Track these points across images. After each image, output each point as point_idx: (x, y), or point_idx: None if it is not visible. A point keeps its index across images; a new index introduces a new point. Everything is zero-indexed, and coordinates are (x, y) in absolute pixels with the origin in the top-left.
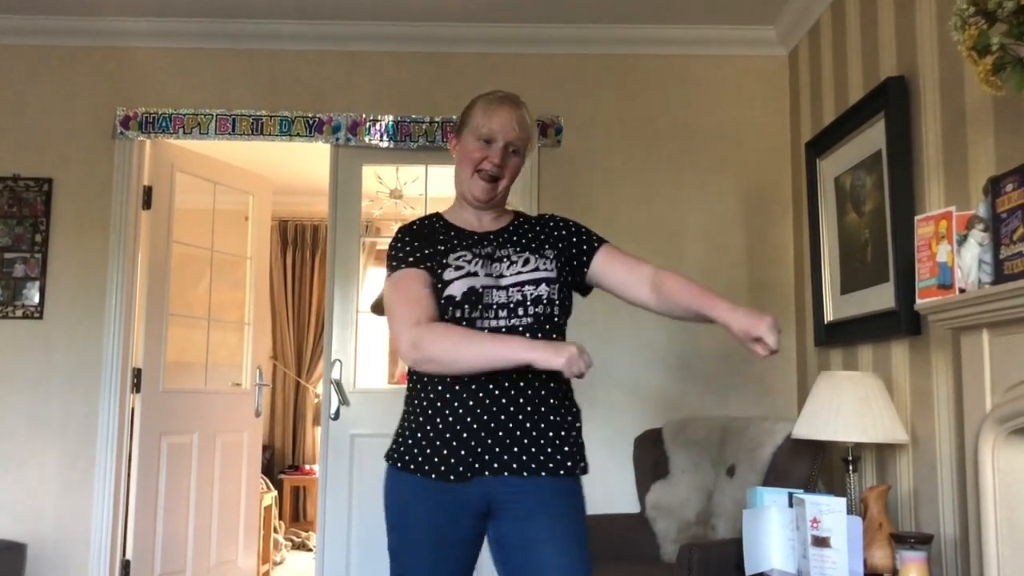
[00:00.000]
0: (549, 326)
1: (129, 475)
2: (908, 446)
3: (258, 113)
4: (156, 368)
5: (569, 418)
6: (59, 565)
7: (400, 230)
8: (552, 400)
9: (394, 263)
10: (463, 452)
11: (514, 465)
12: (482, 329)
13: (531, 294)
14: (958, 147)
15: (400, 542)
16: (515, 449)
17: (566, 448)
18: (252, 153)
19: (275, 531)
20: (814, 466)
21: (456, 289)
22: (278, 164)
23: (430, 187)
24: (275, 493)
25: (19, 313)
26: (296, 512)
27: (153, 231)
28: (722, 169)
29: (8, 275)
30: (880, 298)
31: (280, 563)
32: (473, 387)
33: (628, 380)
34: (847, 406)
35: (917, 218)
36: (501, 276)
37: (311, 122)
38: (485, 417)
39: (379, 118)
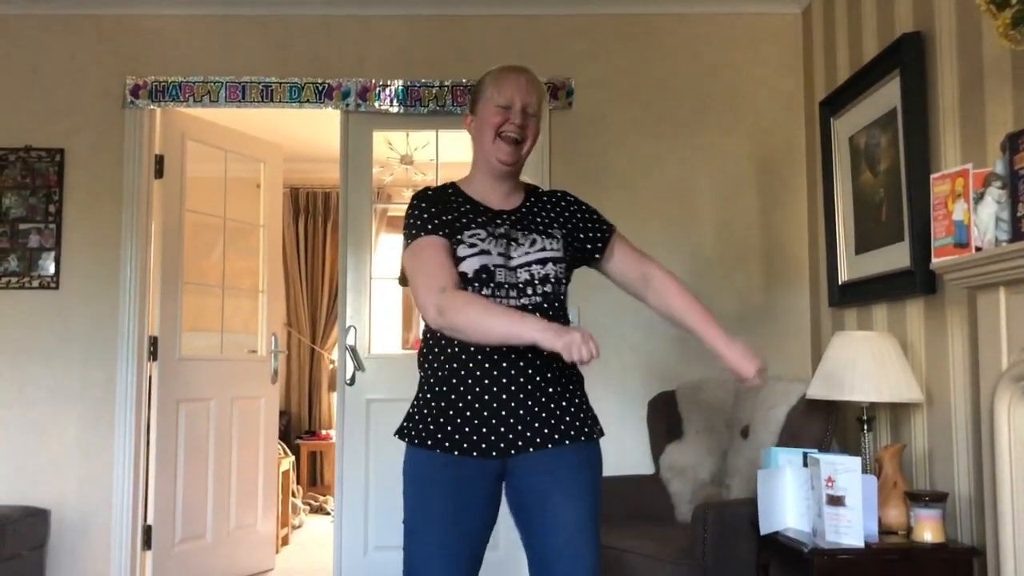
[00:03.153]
0: (557, 303)
1: (148, 442)
2: (923, 405)
3: (268, 80)
4: (172, 336)
5: (571, 386)
6: (82, 530)
7: (415, 197)
8: (556, 372)
9: (412, 231)
10: (484, 431)
11: (535, 440)
12: None
13: (539, 273)
14: (975, 103)
15: (416, 515)
16: (533, 426)
17: (577, 415)
18: (262, 120)
19: (293, 496)
20: (828, 426)
21: (469, 266)
22: (289, 131)
23: (441, 152)
24: (292, 458)
25: (36, 284)
26: (313, 477)
27: (166, 200)
28: (735, 129)
29: (23, 246)
30: (895, 258)
31: (299, 527)
32: (487, 366)
33: (640, 344)
34: (862, 366)
35: (933, 176)
36: (511, 257)
37: (320, 88)
38: (503, 397)
39: (389, 83)
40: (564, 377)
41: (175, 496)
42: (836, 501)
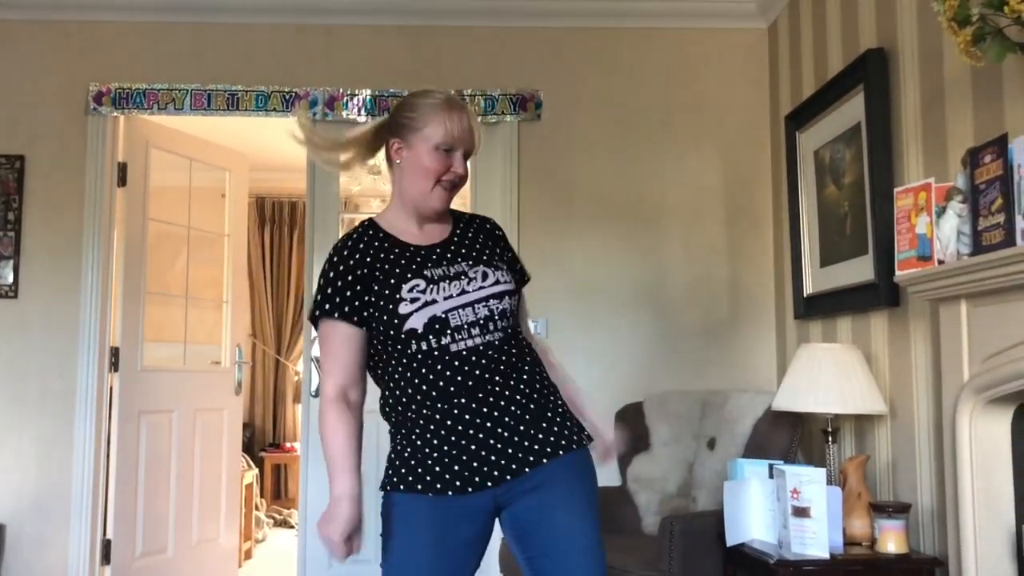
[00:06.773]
0: (514, 340)
1: (108, 454)
2: (887, 417)
3: (234, 88)
4: (134, 347)
5: (552, 397)
6: (39, 545)
7: (333, 252)
8: (536, 385)
9: (325, 304)
10: (475, 465)
11: (527, 460)
12: (457, 352)
13: (497, 308)
14: (937, 119)
15: (400, 556)
16: (522, 445)
17: (564, 424)
18: (228, 129)
19: (257, 509)
20: (794, 438)
21: (417, 322)
22: (254, 140)
23: None
24: (256, 471)
25: None
26: (277, 490)
27: (129, 208)
28: (702, 143)
29: None
30: (859, 270)
31: (262, 540)
32: (464, 401)
33: (608, 355)
34: (826, 378)
35: (896, 190)
36: (464, 293)
37: (287, 97)
38: (485, 424)
39: (357, 92)
40: (541, 388)
41: (136, 510)
42: (801, 512)
